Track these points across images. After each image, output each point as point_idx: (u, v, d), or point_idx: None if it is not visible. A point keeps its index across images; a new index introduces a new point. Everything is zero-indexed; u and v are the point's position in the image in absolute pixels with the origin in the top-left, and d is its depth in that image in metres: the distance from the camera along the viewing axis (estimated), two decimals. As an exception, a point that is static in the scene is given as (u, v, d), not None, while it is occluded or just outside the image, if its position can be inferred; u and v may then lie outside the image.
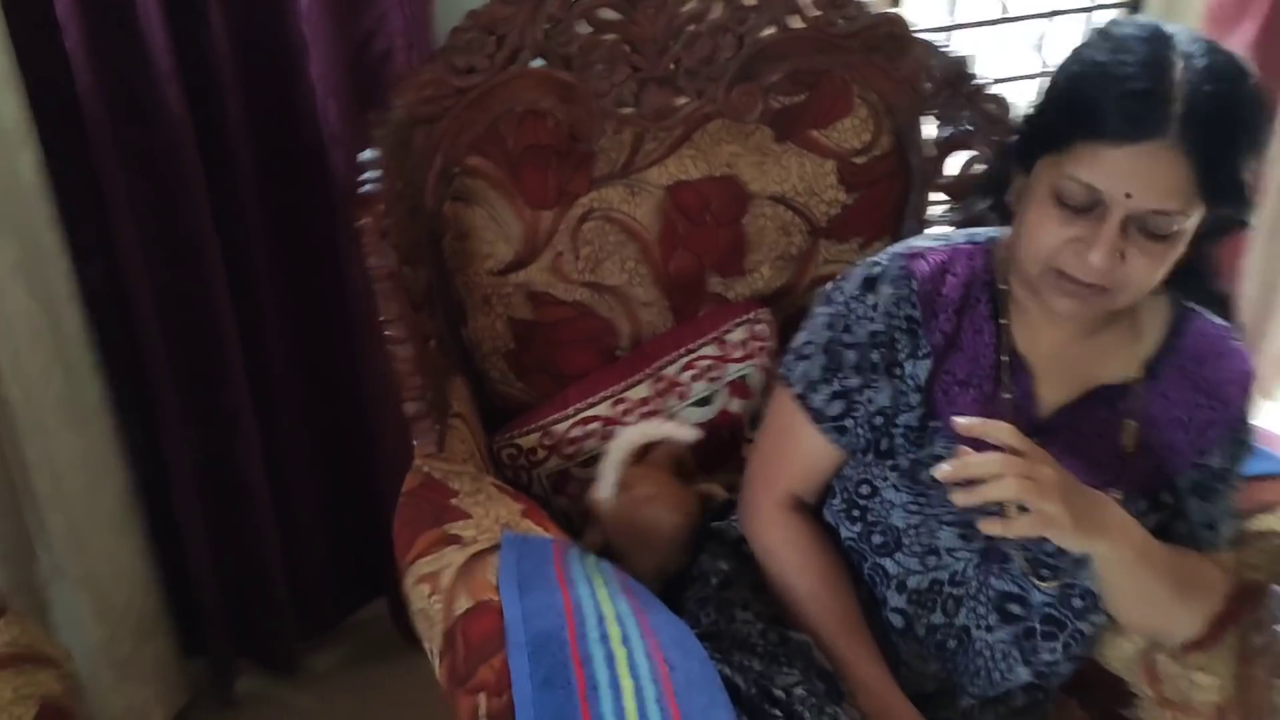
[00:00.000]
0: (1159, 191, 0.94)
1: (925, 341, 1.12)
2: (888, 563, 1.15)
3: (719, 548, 1.28)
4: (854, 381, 1.14)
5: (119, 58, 1.37)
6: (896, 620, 1.16)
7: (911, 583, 1.14)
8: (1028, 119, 1.06)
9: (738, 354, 1.42)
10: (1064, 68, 1.01)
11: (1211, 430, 1.09)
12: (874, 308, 1.13)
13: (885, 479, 1.14)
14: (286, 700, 1.88)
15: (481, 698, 0.96)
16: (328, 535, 1.87)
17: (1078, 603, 1.13)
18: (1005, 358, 1.11)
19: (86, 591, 1.58)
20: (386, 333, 1.18)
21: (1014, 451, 0.96)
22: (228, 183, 1.52)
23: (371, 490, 1.83)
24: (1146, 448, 1.09)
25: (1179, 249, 0.98)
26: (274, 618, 1.83)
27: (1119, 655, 1.27)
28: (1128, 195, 0.94)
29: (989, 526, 0.96)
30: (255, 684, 1.90)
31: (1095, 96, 0.95)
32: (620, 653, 0.98)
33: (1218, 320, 1.11)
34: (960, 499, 0.97)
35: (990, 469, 0.95)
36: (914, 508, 1.13)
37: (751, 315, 1.43)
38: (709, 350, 1.42)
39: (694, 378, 1.41)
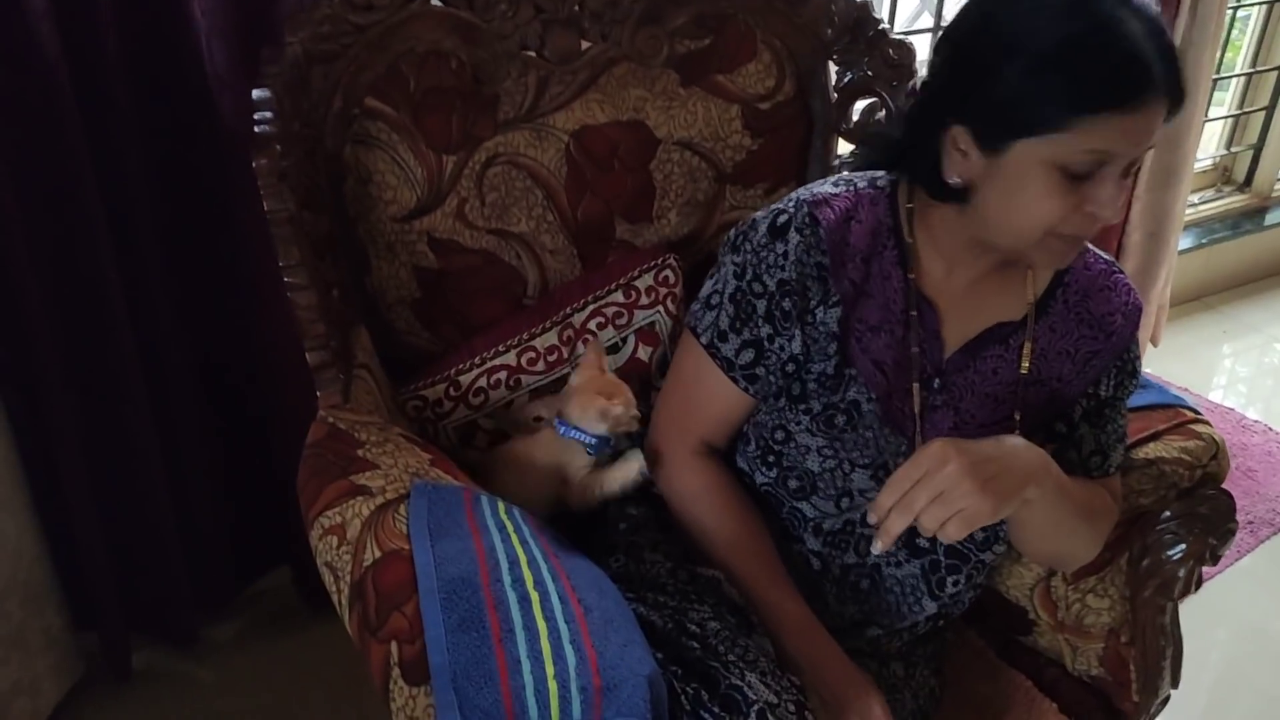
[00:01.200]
0: (1153, 136, 0.97)
1: (834, 289, 1.13)
2: (804, 506, 1.17)
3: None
4: (765, 330, 1.15)
5: (-15, -7, 1.29)
6: (814, 562, 1.18)
7: (827, 525, 1.16)
8: (992, 107, 0.99)
9: (645, 300, 1.42)
10: (1025, 52, 0.96)
11: (1097, 360, 1.14)
12: (784, 255, 1.13)
13: (799, 424, 1.15)
14: (186, 673, 1.84)
15: (393, 645, 0.93)
16: (224, 503, 1.82)
17: (979, 534, 1.16)
18: (914, 311, 1.13)
19: (-35, 564, 1.50)
20: (287, 279, 1.14)
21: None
22: (107, 128, 1.44)
23: (270, 456, 1.79)
24: (1038, 381, 1.13)
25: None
26: (170, 588, 1.77)
27: (1017, 584, 1.32)
28: (1139, 150, 0.97)
29: (944, 533, 0.96)
30: (153, 657, 1.84)
31: (1089, 74, 0.94)
32: (534, 595, 0.96)
33: (1104, 255, 1.15)
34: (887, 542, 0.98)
35: (903, 523, 0.97)
36: (828, 452, 1.15)
37: (658, 261, 1.43)
38: (616, 297, 1.41)
39: (601, 325, 1.40)
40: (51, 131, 1.38)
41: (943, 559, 1.17)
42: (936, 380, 1.14)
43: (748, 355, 1.16)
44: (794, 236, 1.12)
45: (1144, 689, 1.25)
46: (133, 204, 1.51)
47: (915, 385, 1.14)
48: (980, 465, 0.96)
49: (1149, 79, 0.94)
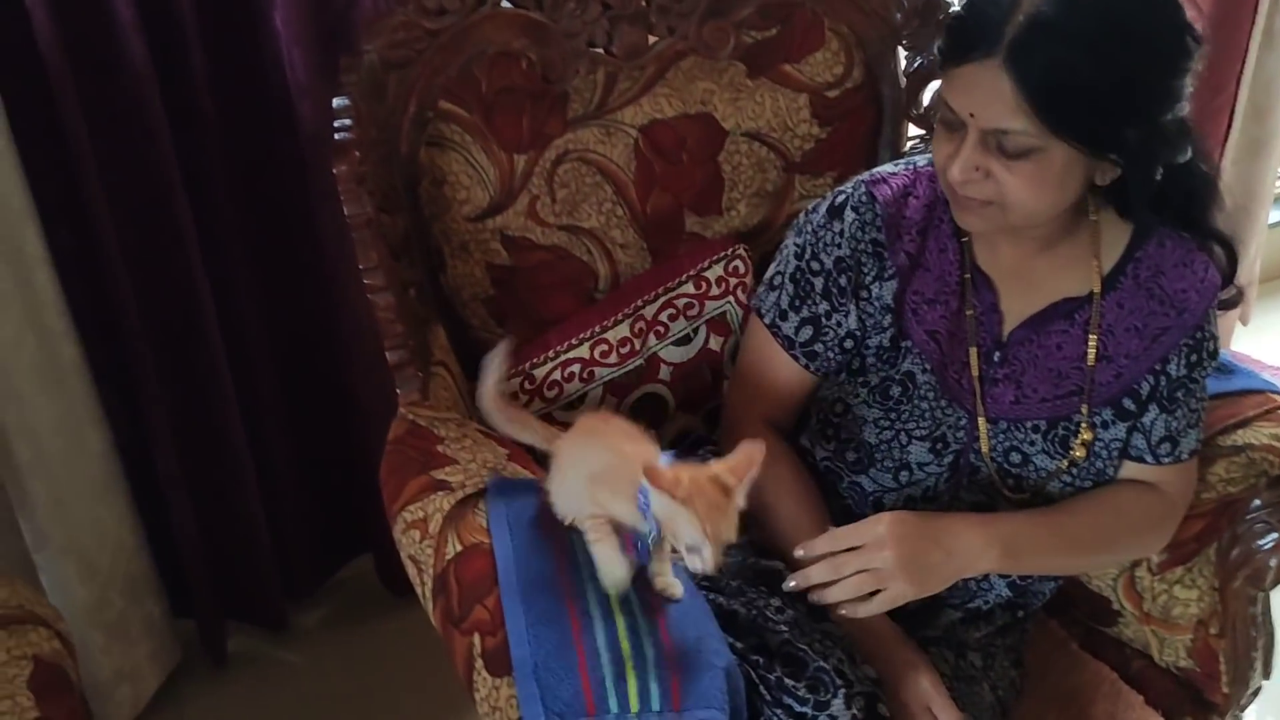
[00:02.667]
0: (995, 111, 0.97)
1: (890, 263, 1.16)
2: (863, 479, 1.18)
3: None
4: (823, 307, 1.18)
5: (80, 10, 1.34)
6: None
7: (887, 501, 1.17)
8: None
9: (715, 291, 1.42)
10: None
11: (1166, 336, 1.12)
12: (840, 234, 1.17)
13: (857, 396, 1.18)
14: (277, 658, 1.90)
15: (476, 637, 0.96)
16: (310, 493, 1.87)
17: None
18: (968, 275, 1.14)
19: (71, 557, 1.57)
20: (366, 281, 1.17)
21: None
22: (194, 137, 1.50)
23: (352, 447, 1.83)
24: (1106, 357, 1.13)
25: (1054, 170, 0.99)
26: (261, 576, 1.83)
27: (1100, 574, 1.30)
28: (971, 115, 0.99)
29: (849, 609, 1.05)
30: (246, 643, 1.90)
31: (947, 21, 1.03)
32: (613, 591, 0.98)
33: (1184, 236, 1.13)
34: (815, 597, 1.06)
35: (825, 576, 1.04)
36: (884, 423, 1.16)
37: (728, 252, 1.43)
38: (687, 288, 1.41)
39: (672, 317, 1.41)
40: (142, 140, 1.44)
41: None
42: (997, 354, 1.15)
43: (806, 332, 1.19)
44: (850, 215, 1.17)
45: (1234, 680, 1.22)
46: (219, 208, 1.57)
47: (973, 350, 1.14)
48: (912, 561, 1.04)
49: (981, 38, 0.96)
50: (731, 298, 1.43)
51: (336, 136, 1.16)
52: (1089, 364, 1.13)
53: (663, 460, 0.97)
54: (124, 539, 1.67)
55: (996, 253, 1.15)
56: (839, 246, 1.17)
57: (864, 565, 1.04)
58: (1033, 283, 1.14)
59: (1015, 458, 1.15)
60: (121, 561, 1.67)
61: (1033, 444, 1.15)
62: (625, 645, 0.92)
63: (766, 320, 1.23)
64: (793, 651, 1.02)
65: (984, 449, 1.15)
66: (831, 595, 1.04)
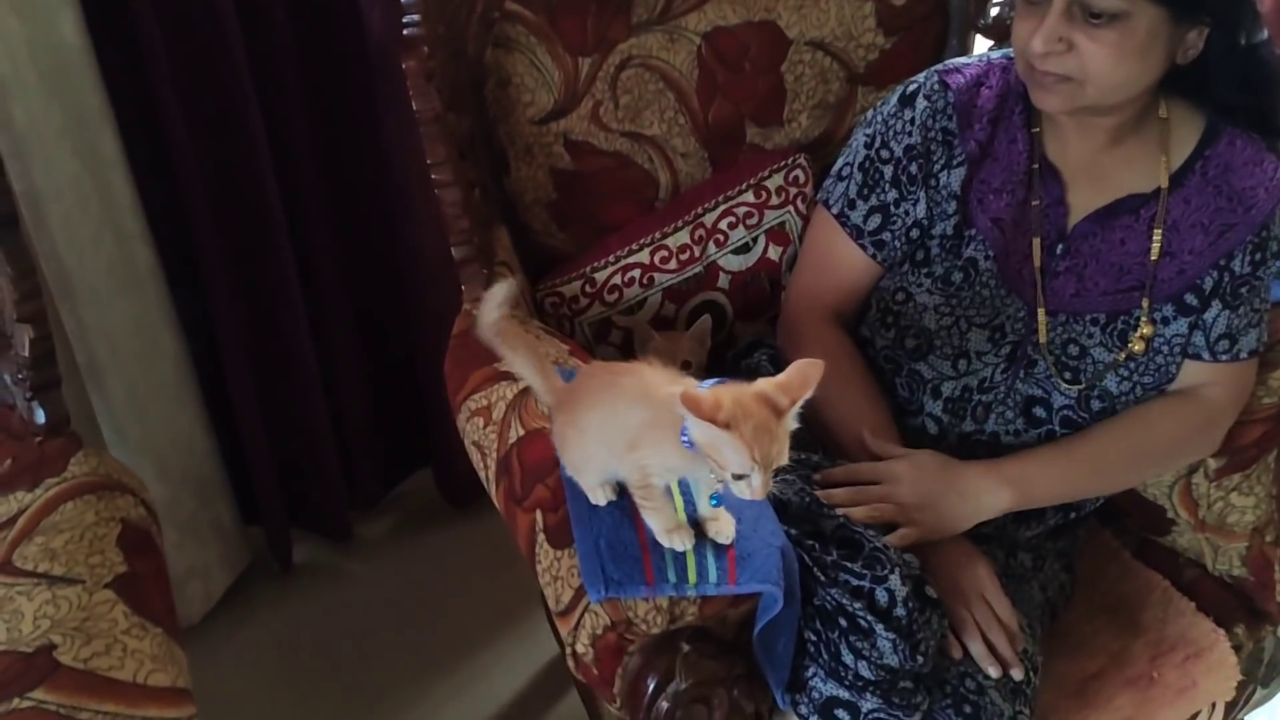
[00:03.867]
0: None
1: (960, 150, 1.17)
2: (922, 367, 1.19)
3: None
4: (891, 195, 1.20)
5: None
6: (932, 427, 1.20)
7: (945, 389, 1.18)
8: None
9: (775, 200, 1.43)
10: None
11: (1232, 233, 1.12)
12: (910, 122, 1.19)
13: (920, 284, 1.20)
14: (340, 567, 1.96)
15: (539, 514, 0.99)
16: (374, 409, 1.92)
17: (1096, 404, 1.16)
18: (1036, 165, 1.15)
19: (147, 455, 1.63)
20: (434, 176, 1.19)
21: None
22: (266, 48, 1.52)
23: (415, 364, 1.88)
24: (1169, 253, 1.13)
25: (1137, 39, 1.00)
26: (326, 488, 1.89)
27: (1155, 481, 1.29)
28: None
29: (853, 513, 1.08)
30: (310, 551, 1.97)
31: None
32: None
33: (1254, 135, 1.12)
34: (841, 512, 1.08)
35: (847, 501, 1.09)
36: (945, 309, 1.18)
37: (788, 161, 1.43)
38: (747, 197, 1.42)
39: (732, 225, 1.42)
40: (217, 48, 1.47)
41: (1058, 429, 1.17)
42: (1060, 245, 1.16)
43: (875, 221, 1.21)
44: (921, 103, 1.19)
45: (1289, 590, 1.22)
46: (291, 120, 1.60)
47: (1036, 241, 1.15)
48: (927, 500, 1.10)
49: None
50: (791, 207, 1.43)
51: (405, 31, 1.18)
52: (1152, 259, 1.13)
53: (702, 387, 0.85)
54: (196, 442, 1.73)
55: (1066, 145, 1.15)
56: (909, 134, 1.19)
57: (884, 498, 1.09)
58: (1101, 177, 1.15)
59: (1073, 350, 1.16)
60: (194, 464, 1.73)
61: (1090, 336, 1.15)
62: (681, 509, 0.94)
63: (834, 210, 1.24)
64: (848, 534, 1.03)
65: (1041, 339, 1.16)
66: (856, 514, 1.07)
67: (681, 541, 0.92)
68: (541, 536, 0.98)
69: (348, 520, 1.96)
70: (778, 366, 1.31)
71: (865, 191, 1.22)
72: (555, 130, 1.35)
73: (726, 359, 1.39)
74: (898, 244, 1.22)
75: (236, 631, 1.82)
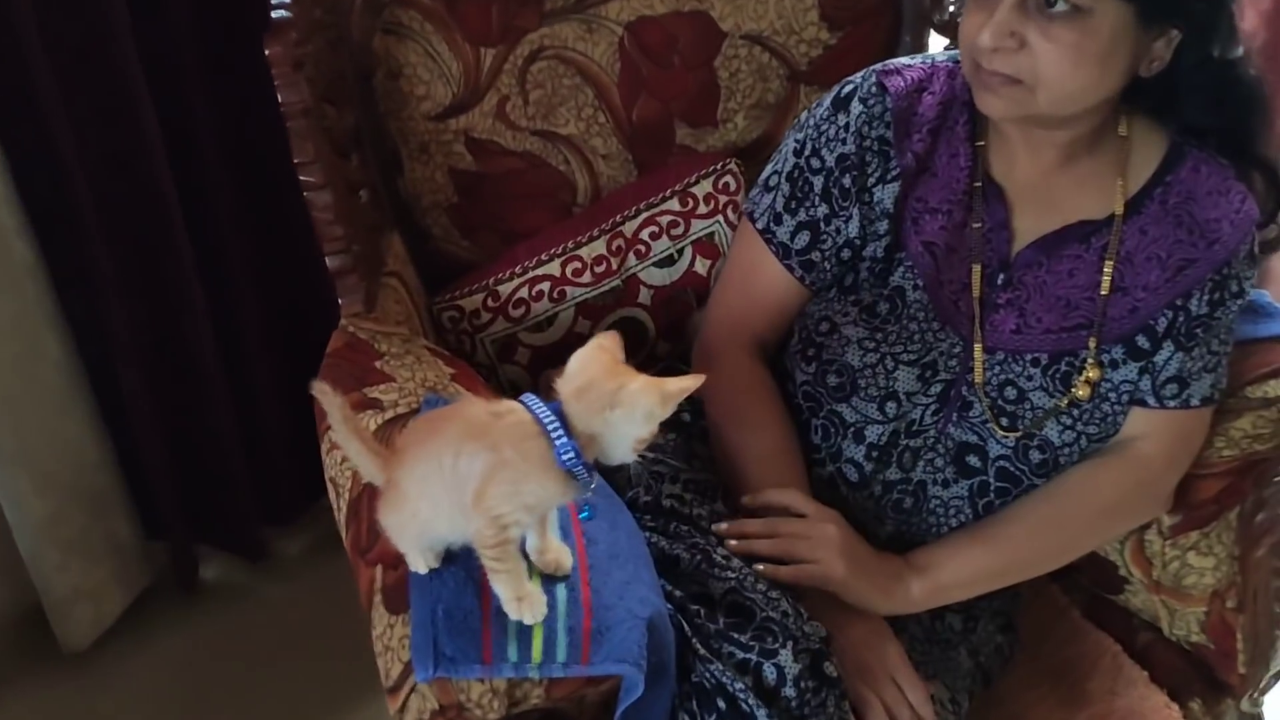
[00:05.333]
0: None
1: (895, 163, 1.05)
2: (844, 409, 1.06)
3: None
4: (822, 210, 1.08)
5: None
6: (851, 473, 1.07)
7: (870, 434, 1.06)
8: None
9: (703, 209, 1.30)
10: None
11: (1191, 270, 0.99)
12: (845, 128, 1.07)
13: (847, 314, 1.07)
14: (254, 587, 1.82)
15: (379, 570, 0.87)
16: (293, 415, 1.77)
17: (1035, 455, 1.03)
18: (978, 184, 1.03)
19: (24, 467, 1.50)
20: (301, 177, 1.07)
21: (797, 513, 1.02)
22: (158, 26, 1.40)
23: None
24: (1121, 288, 1.01)
25: (1098, 41, 0.89)
26: (237, 501, 1.76)
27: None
28: None
29: (771, 568, 0.98)
30: (222, 570, 1.84)
31: None
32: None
33: (1222, 160, 0.99)
34: (741, 545, 0.99)
35: (761, 530, 1.01)
36: (870, 344, 1.05)
37: (718, 166, 1.31)
38: (672, 205, 1.30)
39: (654, 235, 1.30)
40: (103, 29, 1.34)
41: (993, 480, 1.04)
42: (1001, 275, 1.04)
43: (803, 238, 1.09)
44: (857, 107, 1.07)
45: (1252, 660, 1.10)
46: (189, 108, 1.47)
47: (976, 268, 1.03)
48: (851, 547, 1.01)
49: None
50: (721, 217, 1.31)
51: (273, 15, 1.05)
52: (1102, 294, 1.00)
53: (532, 405, 0.77)
54: (85, 453, 1.61)
55: (1014, 163, 1.03)
56: (843, 142, 1.06)
57: (804, 531, 1.00)
58: (1050, 201, 1.03)
59: (1010, 393, 1.03)
60: (83, 476, 1.61)
61: (1030, 379, 1.03)
62: (536, 593, 0.82)
63: (759, 225, 1.12)
64: (739, 600, 0.91)
65: (978, 379, 1.03)
66: (760, 547, 0.99)
67: (531, 613, 0.79)
68: (378, 597, 0.86)
69: (262, 537, 1.83)
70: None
71: (793, 205, 1.09)
72: (454, 127, 1.22)
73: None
74: (828, 265, 1.09)
75: (131, 658, 1.68)
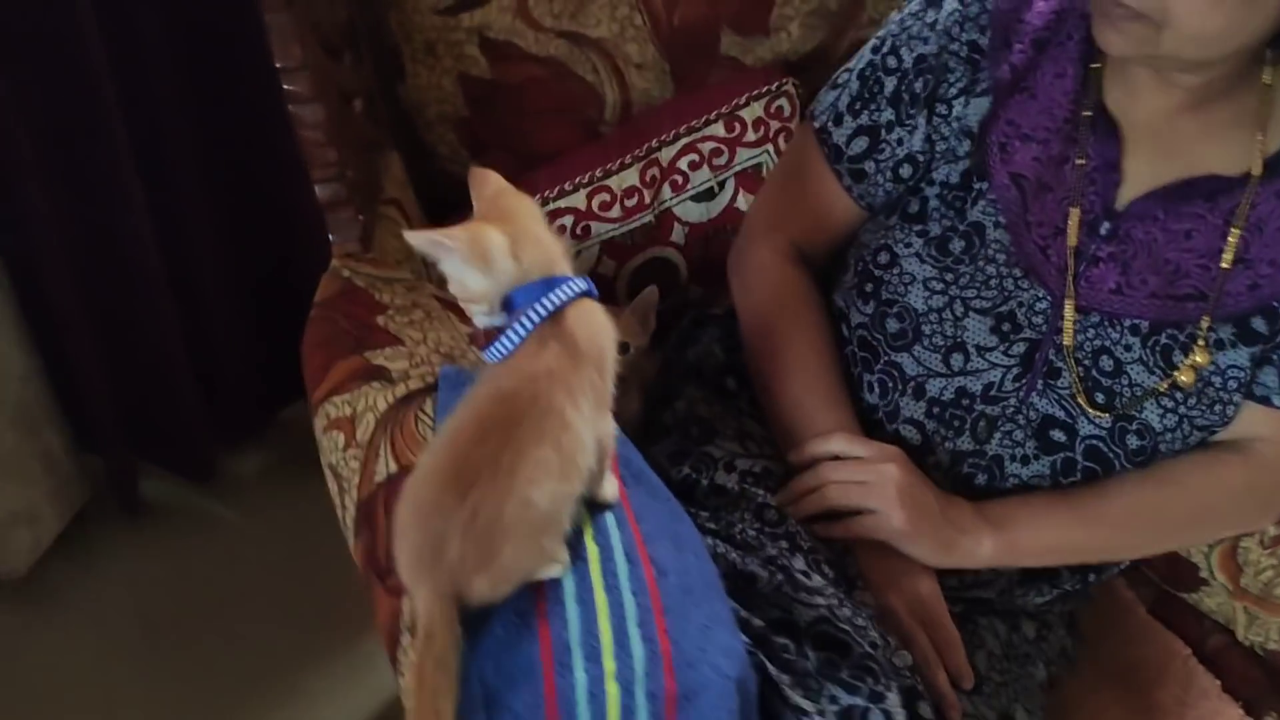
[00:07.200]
0: None
1: (986, 74, 0.90)
2: (904, 359, 0.93)
3: (697, 390, 1.04)
4: (887, 115, 0.94)
5: None
6: (911, 435, 0.93)
7: (933, 388, 0.92)
8: None
9: (751, 136, 1.14)
10: None
11: None
12: (931, 25, 0.92)
13: (910, 245, 0.93)
14: (204, 509, 1.67)
15: (407, 604, 0.71)
16: (245, 321, 1.62)
17: (1133, 440, 0.90)
18: (1088, 113, 0.88)
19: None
20: (286, 87, 0.86)
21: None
22: None
23: (298, 266, 1.49)
24: (1244, 259, 0.86)
25: None
26: (180, 415, 1.60)
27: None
28: None
29: (822, 525, 0.89)
30: (167, 491, 1.68)
31: None
32: (593, 550, 0.73)
33: None
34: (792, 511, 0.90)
35: (811, 483, 0.90)
36: (938, 285, 0.91)
37: (772, 87, 1.13)
38: (716, 130, 1.13)
39: (694, 164, 1.13)
40: None
41: (1080, 459, 0.91)
42: (1105, 224, 0.88)
43: (860, 144, 0.95)
44: (951, 3, 0.92)
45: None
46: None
47: (1073, 212, 0.88)
48: (912, 489, 0.89)
49: None
50: (770, 146, 1.14)
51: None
52: (1223, 265, 0.85)
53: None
54: (11, 364, 1.43)
55: (1135, 96, 0.87)
56: (925, 41, 0.92)
57: (860, 476, 0.89)
58: (1172, 145, 0.87)
59: (1106, 363, 0.89)
60: (9, 389, 1.43)
61: (1128, 349, 0.88)
62: (607, 639, 0.67)
63: (816, 123, 0.98)
64: (829, 631, 0.78)
65: (1067, 342, 0.89)
66: (808, 504, 0.89)
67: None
68: (408, 637, 0.70)
69: (210, 454, 1.67)
70: (731, 351, 1.05)
71: (857, 106, 0.95)
72: (467, 23, 1.02)
73: (669, 338, 1.10)
74: (881, 180, 0.95)
75: (72, 584, 1.54)
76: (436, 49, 1.02)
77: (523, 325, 0.67)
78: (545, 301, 0.68)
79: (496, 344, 0.67)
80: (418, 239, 0.67)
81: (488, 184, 0.73)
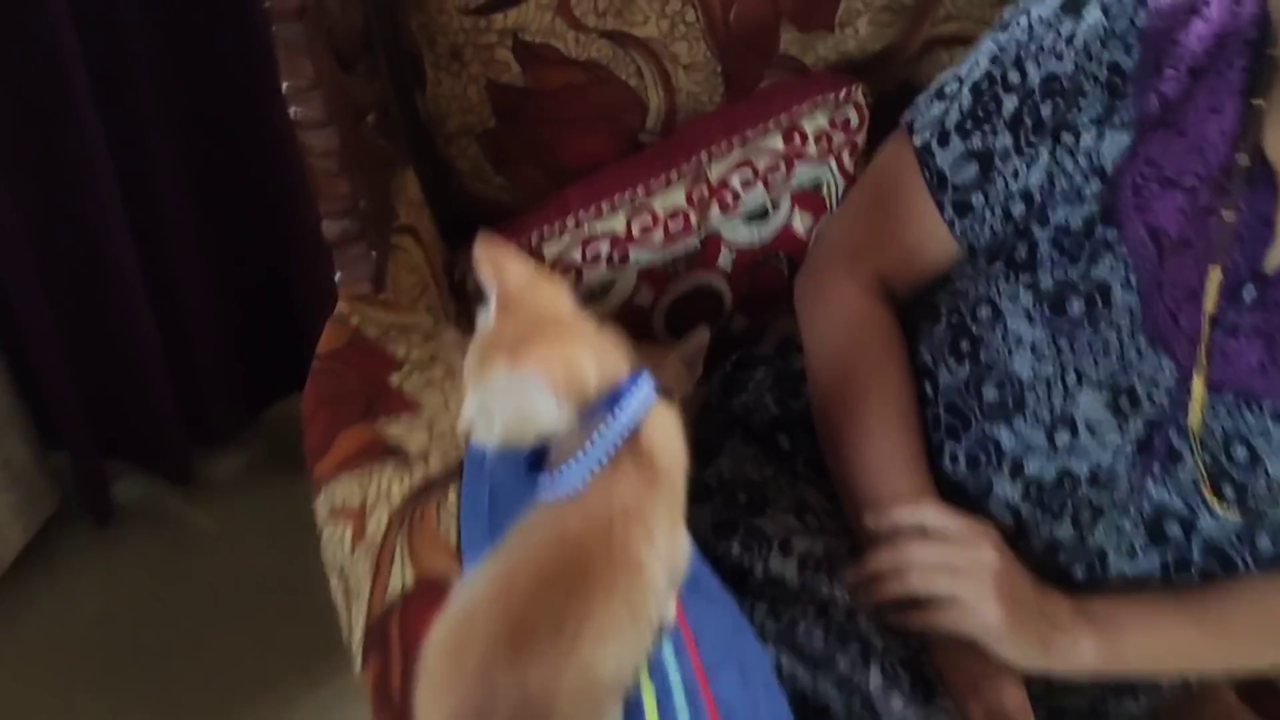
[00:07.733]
0: None
1: (1130, 104, 0.75)
2: (1001, 431, 0.81)
3: (744, 446, 0.92)
4: (1003, 141, 0.80)
5: None
6: (1004, 517, 0.82)
7: (1032, 467, 0.80)
8: None
9: (813, 150, 1.00)
10: None
11: None
12: (1068, 39, 0.77)
13: (1016, 299, 0.81)
14: (179, 515, 1.59)
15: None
16: (225, 317, 1.54)
17: (1266, 545, 0.79)
18: (1244, 157, 0.74)
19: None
20: (293, 109, 0.72)
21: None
22: None
23: (283, 257, 1.48)
24: None
25: None
26: (155, 416, 1.52)
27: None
28: None
29: (899, 613, 0.79)
30: (141, 496, 1.60)
31: None
32: (648, 689, 0.61)
33: None
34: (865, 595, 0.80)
35: (889, 564, 0.79)
36: (1049, 351, 0.79)
37: (839, 95, 1.00)
38: (773, 142, 0.99)
39: (747, 182, 1.00)
40: None
41: (1196, 558, 0.80)
42: (1250, 288, 0.75)
43: (968, 172, 0.82)
44: (1094, 14, 0.77)
45: None
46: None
47: (1214, 271, 0.75)
48: (1009, 579, 0.78)
49: None
50: (833, 161, 1.01)
51: None
52: None
53: None
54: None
55: None
56: (1059, 57, 0.77)
57: (950, 559, 0.78)
58: None
59: (1240, 452, 0.77)
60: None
61: (1268, 438, 0.77)
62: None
63: (917, 140, 0.83)
64: None
65: (1193, 422, 0.77)
66: (887, 589, 0.78)
67: None
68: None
69: (187, 456, 1.58)
70: (785, 401, 0.93)
71: (968, 125, 0.81)
72: (500, 25, 0.88)
73: (711, 383, 0.98)
74: (990, 218, 0.82)
75: (38, 599, 1.46)
76: (463, 54, 0.87)
77: (599, 448, 0.54)
78: (623, 419, 0.55)
79: (564, 474, 0.54)
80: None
81: (509, 268, 0.57)
